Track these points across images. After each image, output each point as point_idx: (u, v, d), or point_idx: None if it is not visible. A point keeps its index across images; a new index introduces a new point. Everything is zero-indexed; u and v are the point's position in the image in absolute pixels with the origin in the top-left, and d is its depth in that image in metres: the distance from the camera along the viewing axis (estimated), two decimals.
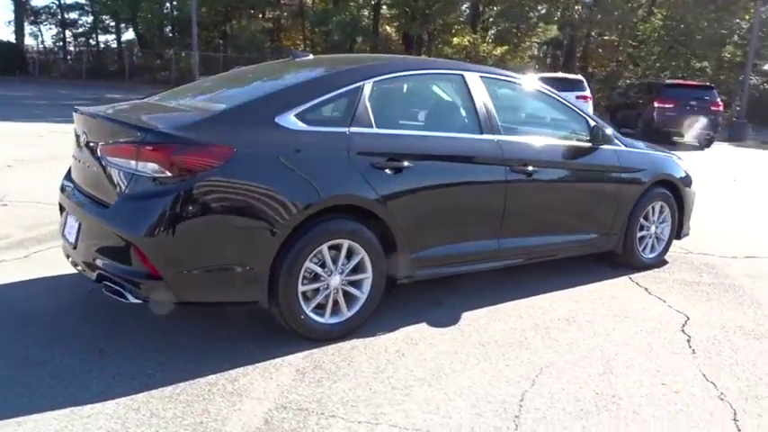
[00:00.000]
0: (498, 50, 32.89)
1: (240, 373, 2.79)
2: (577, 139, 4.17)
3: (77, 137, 3.28)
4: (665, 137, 15.72)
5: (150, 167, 2.72)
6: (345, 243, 3.11)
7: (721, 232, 6.09)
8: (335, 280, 3.12)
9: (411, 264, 3.39)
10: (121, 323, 3.25)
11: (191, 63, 26.85)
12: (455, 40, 33.99)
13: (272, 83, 3.60)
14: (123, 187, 2.81)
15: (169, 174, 2.70)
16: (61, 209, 3.46)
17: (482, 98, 3.70)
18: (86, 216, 3.01)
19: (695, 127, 15.76)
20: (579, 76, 17.61)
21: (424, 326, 3.43)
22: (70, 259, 3.25)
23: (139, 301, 2.81)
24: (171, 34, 37.63)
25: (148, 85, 26.74)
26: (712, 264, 4.96)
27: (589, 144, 4.16)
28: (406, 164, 3.25)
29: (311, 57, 3.87)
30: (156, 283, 2.74)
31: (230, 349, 3.02)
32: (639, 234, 4.58)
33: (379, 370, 2.90)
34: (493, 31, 35.17)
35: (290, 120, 3.01)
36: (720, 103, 16.79)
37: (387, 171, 3.19)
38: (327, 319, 3.14)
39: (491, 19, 35.27)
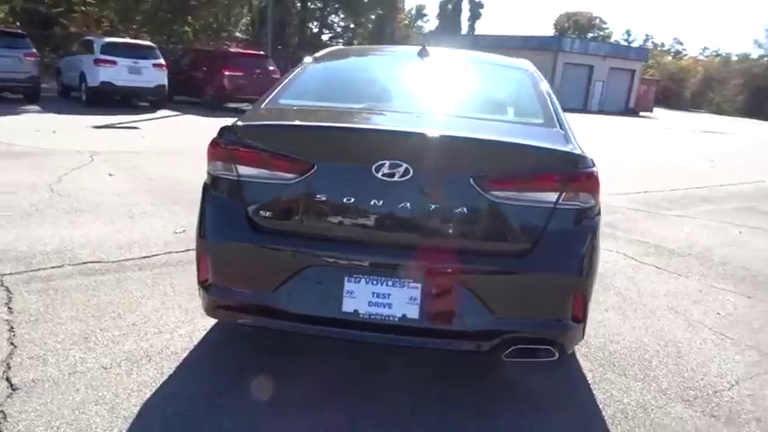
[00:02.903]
0: None
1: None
2: None
3: (365, 168, 2.30)
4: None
5: (580, 198, 2.38)
6: None
7: None
8: None
9: None
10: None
11: None
12: None
13: (486, 85, 3.37)
14: (537, 226, 2.34)
15: (594, 203, 2.44)
16: (287, 278, 2.36)
17: None
18: (463, 275, 2.34)
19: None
20: (152, 44, 16.55)
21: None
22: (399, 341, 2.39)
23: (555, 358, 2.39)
24: None
25: None
26: None
27: None
28: None
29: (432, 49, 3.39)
30: (577, 327, 2.42)
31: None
32: None
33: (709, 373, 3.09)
34: None
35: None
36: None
37: None
38: None
39: None
